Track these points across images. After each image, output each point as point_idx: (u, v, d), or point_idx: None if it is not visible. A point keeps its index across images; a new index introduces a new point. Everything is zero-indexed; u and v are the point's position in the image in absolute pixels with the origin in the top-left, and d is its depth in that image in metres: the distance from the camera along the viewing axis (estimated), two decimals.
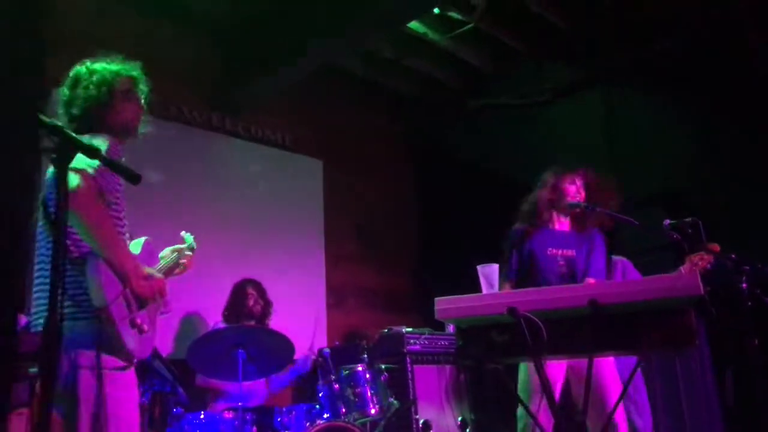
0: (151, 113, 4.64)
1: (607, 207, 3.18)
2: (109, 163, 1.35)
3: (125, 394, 2.03)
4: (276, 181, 5.55)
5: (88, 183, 1.86)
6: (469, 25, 5.48)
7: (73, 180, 1.78)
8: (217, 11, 5.12)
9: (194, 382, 4.13)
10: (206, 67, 5.29)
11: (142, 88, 2.32)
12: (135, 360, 2.07)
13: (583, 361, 2.82)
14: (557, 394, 2.89)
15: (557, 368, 2.95)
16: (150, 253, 2.34)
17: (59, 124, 1.35)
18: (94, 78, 2.20)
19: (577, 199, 3.19)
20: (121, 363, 2.02)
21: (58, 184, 1.29)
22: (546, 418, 2.82)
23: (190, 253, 2.51)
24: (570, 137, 5.64)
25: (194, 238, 2.63)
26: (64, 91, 2.23)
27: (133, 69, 2.32)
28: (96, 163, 1.85)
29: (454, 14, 5.38)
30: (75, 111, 2.18)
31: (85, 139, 1.52)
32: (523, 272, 3.11)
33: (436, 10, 5.22)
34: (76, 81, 2.22)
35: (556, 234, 3.20)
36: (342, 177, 6.05)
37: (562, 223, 3.25)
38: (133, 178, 1.55)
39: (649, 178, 5.05)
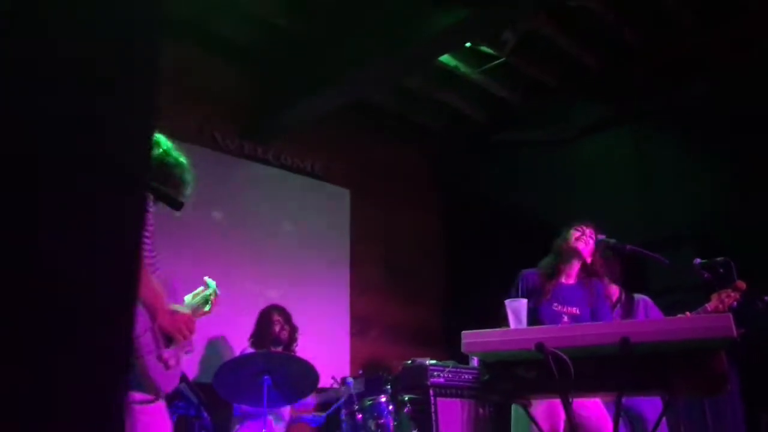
0: (184, 140, 4.77)
1: (611, 267, 3.17)
2: (154, 188, 1.39)
3: (155, 427, 2.07)
4: (304, 209, 5.62)
5: None
6: (500, 60, 5.54)
7: None
8: (254, 41, 5.25)
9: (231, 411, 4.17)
10: (240, 96, 5.41)
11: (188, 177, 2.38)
12: (162, 393, 2.10)
13: (583, 406, 2.80)
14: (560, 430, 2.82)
15: (558, 413, 2.86)
16: (171, 291, 2.38)
17: None
18: (170, 158, 2.27)
19: (587, 248, 3.16)
20: (149, 397, 2.06)
21: None
22: None
23: (213, 297, 2.54)
24: (598, 175, 5.63)
25: (217, 284, 2.65)
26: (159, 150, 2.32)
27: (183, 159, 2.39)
28: None
29: (484, 48, 5.45)
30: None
31: None
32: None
33: (467, 44, 5.29)
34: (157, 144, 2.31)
35: (563, 288, 3.14)
36: (369, 207, 6.10)
37: (570, 274, 3.19)
38: (176, 204, 1.60)
39: (678, 218, 5.01)
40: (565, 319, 3.03)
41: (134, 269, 0.73)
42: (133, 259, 0.73)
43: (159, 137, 2.37)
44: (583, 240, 3.15)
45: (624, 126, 5.68)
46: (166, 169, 2.26)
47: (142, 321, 2.04)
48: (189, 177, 2.39)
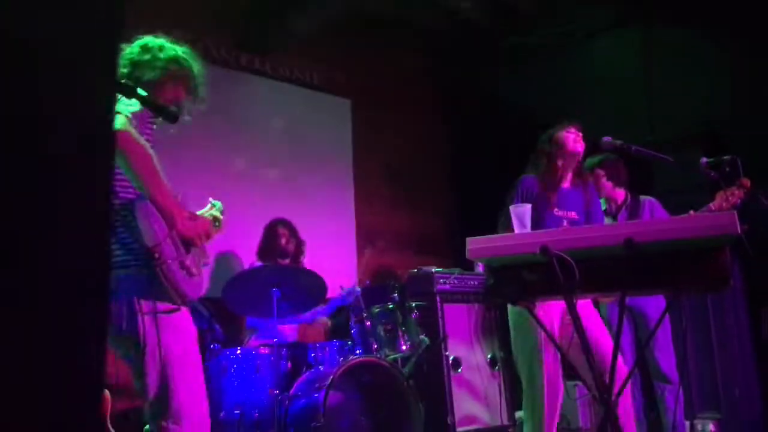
0: None
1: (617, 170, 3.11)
2: (148, 101, 1.35)
3: (182, 335, 2.08)
4: (305, 122, 5.53)
5: (131, 124, 1.91)
6: None
7: (118, 121, 1.81)
8: None
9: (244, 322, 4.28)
10: (235, 5, 5.22)
11: (196, 83, 2.36)
12: (188, 300, 2.10)
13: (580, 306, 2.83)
14: (556, 335, 2.87)
15: (552, 314, 2.90)
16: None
17: None
18: (162, 54, 2.25)
19: (577, 148, 3.09)
20: (173, 306, 2.06)
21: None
22: (557, 365, 2.85)
23: (220, 215, 2.52)
24: (607, 75, 5.50)
25: (221, 203, 2.66)
26: (133, 49, 2.27)
27: (195, 62, 2.36)
28: (129, 110, 1.91)
29: None
30: (136, 73, 2.21)
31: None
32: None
33: None
34: (146, 48, 2.27)
35: (561, 193, 3.10)
36: (371, 117, 6.00)
37: (566, 179, 3.15)
38: (171, 116, 1.56)
39: (687, 116, 4.93)
40: (565, 224, 3.03)
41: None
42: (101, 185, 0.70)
43: (153, 40, 2.30)
44: (579, 141, 3.10)
45: (632, 27, 5.49)
46: (162, 72, 2.22)
47: (159, 228, 2.02)
48: (196, 76, 2.36)
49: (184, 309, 2.11)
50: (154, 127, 2.18)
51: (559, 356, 2.87)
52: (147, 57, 2.25)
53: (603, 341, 2.86)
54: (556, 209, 3.06)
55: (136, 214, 1.99)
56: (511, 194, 3.12)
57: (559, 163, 3.10)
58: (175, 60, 2.29)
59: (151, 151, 2.02)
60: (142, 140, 1.97)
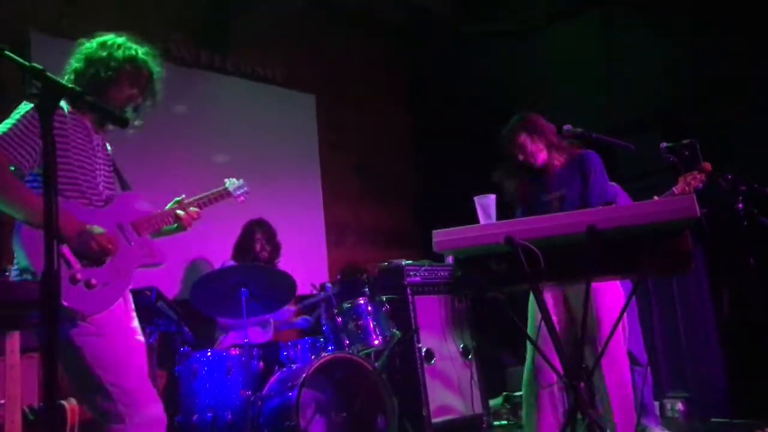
0: None
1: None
2: (95, 106, 1.31)
3: (84, 348, 2.04)
4: (269, 119, 5.48)
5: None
6: None
7: None
8: None
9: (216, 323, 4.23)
10: (196, 3, 5.14)
11: (153, 86, 2.34)
12: (83, 315, 2.03)
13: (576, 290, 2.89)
14: (561, 323, 2.92)
15: (557, 295, 2.97)
16: (128, 207, 2.32)
17: (40, 67, 1.30)
18: (119, 53, 2.23)
19: (534, 155, 3.11)
20: (79, 318, 2.02)
21: (43, 130, 1.26)
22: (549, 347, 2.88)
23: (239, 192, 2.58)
24: (567, 62, 5.54)
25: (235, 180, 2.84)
26: (92, 45, 2.25)
27: (154, 63, 2.34)
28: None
29: None
30: (90, 70, 2.21)
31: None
32: None
33: None
34: (103, 45, 2.25)
35: (548, 177, 3.14)
36: (336, 111, 5.98)
37: (551, 165, 3.16)
38: (121, 122, 1.52)
39: (647, 102, 4.99)
40: (555, 204, 3.06)
41: None
42: None
43: (113, 38, 2.28)
44: (534, 154, 3.12)
45: (591, 12, 5.54)
46: (115, 74, 2.19)
47: (38, 243, 1.94)
48: (154, 78, 2.32)
49: (84, 325, 2.03)
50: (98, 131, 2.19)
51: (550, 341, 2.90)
52: (103, 54, 2.22)
53: (604, 324, 2.89)
54: (543, 195, 3.10)
55: (15, 239, 1.99)
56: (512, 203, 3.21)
57: (530, 173, 3.15)
58: (131, 60, 2.25)
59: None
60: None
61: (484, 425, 4.43)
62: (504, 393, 4.87)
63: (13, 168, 1.98)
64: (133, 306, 2.32)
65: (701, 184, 3.24)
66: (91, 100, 1.31)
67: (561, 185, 3.10)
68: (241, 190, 2.95)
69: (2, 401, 2.63)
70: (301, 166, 5.65)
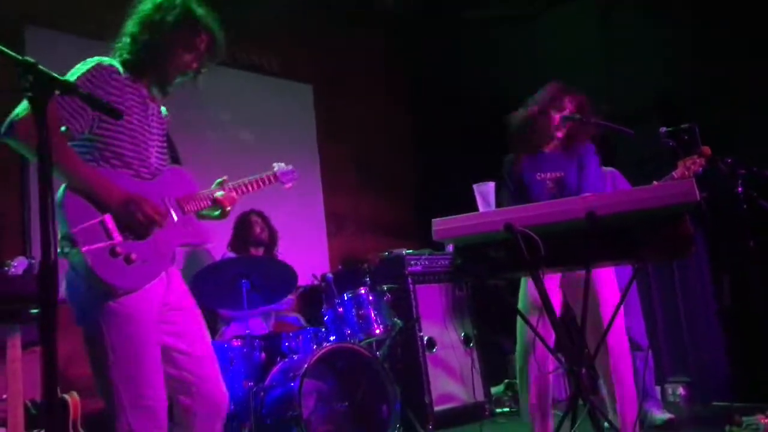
0: None
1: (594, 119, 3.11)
2: (87, 99, 1.30)
3: (125, 322, 1.90)
4: (266, 110, 5.46)
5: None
6: None
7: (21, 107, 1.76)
8: None
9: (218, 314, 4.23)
10: None
11: (212, 49, 2.22)
12: (118, 290, 1.90)
13: (577, 274, 2.88)
14: (557, 310, 2.92)
15: (552, 283, 2.95)
16: (175, 182, 2.20)
17: (32, 60, 1.30)
18: (173, 15, 2.10)
19: (558, 135, 3.10)
20: (99, 294, 1.89)
21: (38, 123, 1.25)
22: (546, 333, 2.88)
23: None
24: (564, 49, 5.51)
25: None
26: (146, 6, 2.13)
27: (213, 25, 2.20)
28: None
29: None
30: (143, 35, 2.10)
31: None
32: (517, 200, 3.08)
33: None
34: (159, 7, 2.12)
35: (545, 157, 3.13)
36: (334, 102, 5.95)
37: (551, 145, 3.17)
38: (114, 114, 1.51)
39: (645, 88, 4.97)
40: (550, 184, 3.05)
41: None
42: None
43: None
44: (562, 129, 3.11)
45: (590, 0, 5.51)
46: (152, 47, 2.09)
47: (83, 215, 1.86)
48: (215, 41, 2.20)
49: (120, 299, 1.89)
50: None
51: (548, 325, 2.90)
52: (157, 17, 2.10)
53: (604, 312, 2.89)
54: (538, 174, 3.08)
55: (63, 198, 1.88)
56: (503, 175, 3.16)
57: (537, 135, 3.13)
58: (186, 23, 2.11)
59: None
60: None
61: (486, 413, 4.45)
62: (506, 380, 4.88)
63: (64, 129, 1.89)
64: (182, 284, 2.18)
65: (701, 169, 3.23)
66: (84, 93, 1.30)
67: (557, 167, 3.09)
68: (290, 176, 2.82)
69: (4, 396, 2.65)
70: (299, 156, 5.61)
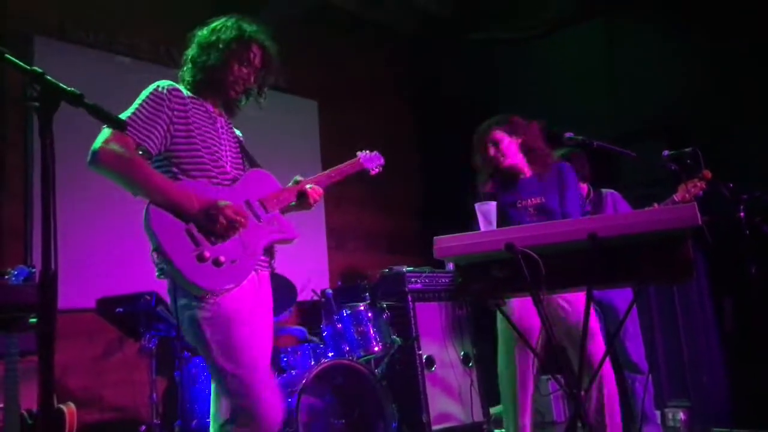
0: (140, 58, 4.54)
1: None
2: (92, 109, 1.31)
3: (225, 317, 2.03)
4: (271, 125, 5.47)
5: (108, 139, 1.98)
6: None
7: (101, 137, 1.97)
8: None
9: None
10: (196, 8, 5.15)
11: (269, 62, 2.40)
12: (214, 292, 2.01)
13: (561, 301, 2.88)
14: (536, 333, 2.88)
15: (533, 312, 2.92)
16: (255, 184, 2.33)
17: (40, 70, 1.31)
18: (224, 35, 2.27)
19: (498, 158, 3.12)
20: (196, 297, 2.01)
21: (42, 134, 1.26)
22: (528, 356, 2.87)
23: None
24: (570, 70, 5.55)
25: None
26: (203, 32, 2.30)
27: (263, 38, 2.38)
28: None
29: None
30: (202, 56, 2.27)
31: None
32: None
33: None
34: (213, 30, 2.30)
35: (521, 183, 3.12)
36: (338, 118, 5.97)
37: (523, 171, 3.15)
38: (119, 125, 1.52)
39: (649, 111, 5.00)
40: (531, 211, 3.05)
41: None
42: None
43: (222, 21, 2.31)
44: (498, 157, 3.12)
45: (595, 19, 5.55)
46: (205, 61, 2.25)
47: (168, 227, 1.98)
48: (266, 53, 2.37)
49: (214, 298, 2.01)
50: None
51: (530, 352, 2.90)
52: (212, 39, 2.26)
53: (593, 335, 2.88)
54: (518, 201, 3.08)
55: (149, 215, 1.99)
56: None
57: (502, 172, 3.16)
58: (237, 39, 2.26)
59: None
60: (123, 149, 1.98)
61: None
62: None
63: (141, 151, 2.04)
64: (269, 292, 2.35)
65: (701, 192, 3.24)
66: (91, 103, 1.31)
67: (536, 193, 3.08)
68: (375, 162, 2.91)
69: (0, 405, 2.63)
70: (303, 171, 5.62)
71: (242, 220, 2.08)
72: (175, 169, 2.13)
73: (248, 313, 2.10)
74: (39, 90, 1.29)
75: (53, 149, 1.24)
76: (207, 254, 1.99)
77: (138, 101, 2.11)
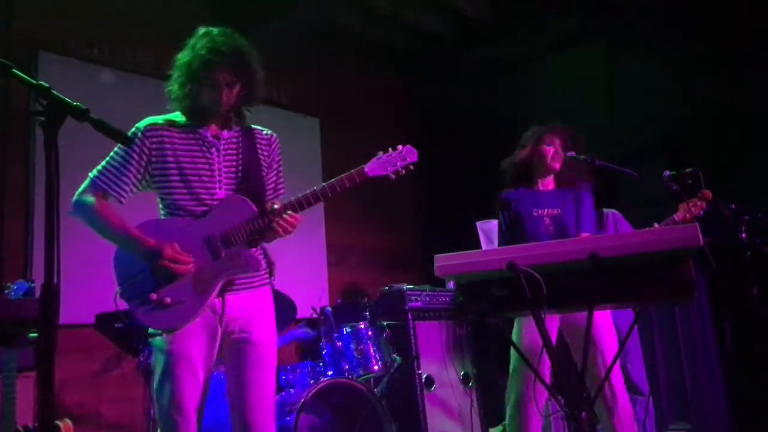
0: (140, 73, 4.55)
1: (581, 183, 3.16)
2: (97, 124, 1.32)
3: (167, 352, 2.17)
4: None
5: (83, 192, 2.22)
6: None
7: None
8: None
9: None
10: (197, 22, 5.19)
11: (244, 75, 2.32)
12: (168, 329, 2.16)
13: (578, 316, 2.87)
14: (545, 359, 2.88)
15: (549, 325, 2.93)
16: (225, 215, 2.29)
17: (46, 85, 1.31)
18: (188, 57, 2.33)
19: (556, 158, 3.15)
20: (160, 334, 2.18)
21: (47, 148, 1.27)
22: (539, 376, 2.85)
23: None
24: (571, 89, 5.58)
25: None
26: (181, 57, 2.36)
27: (239, 53, 2.30)
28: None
29: None
30: (185, 88, 2.31)
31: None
32: (512, 235, 3.09)
33: None
34: (185, 55, 2.38)
35: (541, 194, 3.16)
36: (340, 135, 6.00)
37: (546, 183, 3.21)
38: (125, 140, 1.53)
39: (650, 130, 5.01)
40: (547, 221, 3.06)
41: None
42: None
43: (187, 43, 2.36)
44: (558, 160, 3.15)
45: (596, 39, 5.59)
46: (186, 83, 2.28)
47: (126, 264, 2.16)
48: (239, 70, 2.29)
49: (169, 334, 2.16)
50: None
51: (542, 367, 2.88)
52: (183, 68, 2.31)
53: (607, 354, 2.88)
54: (535, 209, 3.09)
55: (114, 257, 2.21)
56: (495, 210, 3.18)
57: (537, 172, 3.19)
58: (203, 66, 2.25)
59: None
60: (92, 199, 2.19)
61: None
62: (504, 422, 4.80)
63: (111, 200, 2.23)
64: (271, 307, 2.47)
65: (702, 212, 3.24)
66: (96, 118, 1.31)
67: (555, 204, 3.10)
68: (398, 161, 2.82)
69: None
70: (303, 188, 5.64)
71: (180, 266, 2.14)
72: (164, 209, 2.30)
73: (197, 352, 2.19)
74: (45, 104, 1.30)
75: (58, 163, 1.24)
76: (153, 297, 2.13)
77: (113, 151, 2.25)
